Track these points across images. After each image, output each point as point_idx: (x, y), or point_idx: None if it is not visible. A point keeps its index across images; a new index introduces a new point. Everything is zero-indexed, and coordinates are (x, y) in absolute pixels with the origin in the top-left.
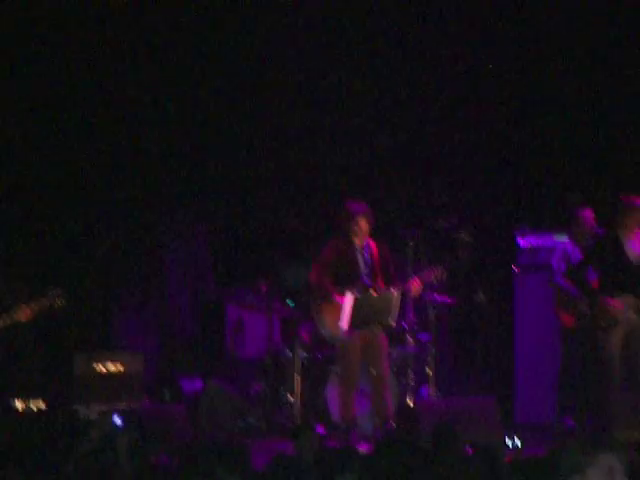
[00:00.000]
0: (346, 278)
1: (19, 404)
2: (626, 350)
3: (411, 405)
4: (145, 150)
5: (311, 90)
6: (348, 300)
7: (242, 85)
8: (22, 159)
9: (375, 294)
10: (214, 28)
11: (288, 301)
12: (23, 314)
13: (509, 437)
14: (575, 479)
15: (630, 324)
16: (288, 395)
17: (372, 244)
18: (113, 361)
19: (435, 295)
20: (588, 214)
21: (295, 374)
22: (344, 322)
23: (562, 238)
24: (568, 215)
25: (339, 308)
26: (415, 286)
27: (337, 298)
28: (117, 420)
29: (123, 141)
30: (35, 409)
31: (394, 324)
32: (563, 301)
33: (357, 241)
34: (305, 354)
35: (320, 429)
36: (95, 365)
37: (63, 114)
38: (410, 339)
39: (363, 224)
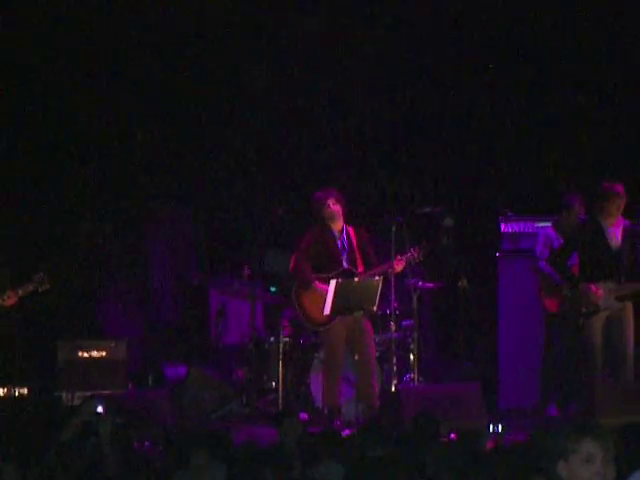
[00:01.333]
0: (326, 264)
1: (2, 390)
2: (607, 336)
3: (394, 391)
4: (128, 135)
5: (295, 75)
6: (331, 286)
7: (225, 70)
8: (3, 142)
9: (358, 280)
10: None
11: (271, 288)
12: (8, 299)
13: (492, 423)
14: (559, 465)
15: (611, 310)
16: (271, 381)
17: (350, 229)
18: (97, 348)
19: (419, 281)
20: (580, 202)
21: (278, 360)
22: (327, 308)
23: (545, 224)
24: (559, 202)
25: (319, 295)
26: (399, 265)
27: (317, 285)
28: (100, 406)
29: (106, 125)
30: (19, 396)
31: (376, 310)
32: (546, 286)
33: (334, 226)
34: (288, 340)
35: (303, 415)
36: (79, 352)
37: (44, 99)
38: (393, 325)
39: (334, 207)
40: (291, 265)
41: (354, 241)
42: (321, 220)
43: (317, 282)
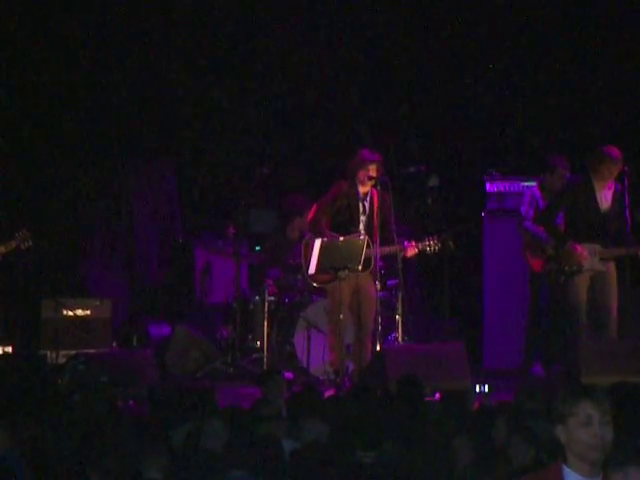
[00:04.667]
0: (344, 224)
1: None
2: (592, 296)
3: (379, 351)
4: (113, 92)
5: (289, 31)
6: (316, 245)
7: (215, 21)
8: None
9: (343, 240)
10: None
11: (256, 247)
12: None
13: (478, 383)
14: (557, 429)
15: (595, 271)
16: (256, 340)
17: (374, 193)
18: (81, 306)
19: (404, 240)
20: (563, 164)
21: (263, 319)
22: (312, 267)
23: (530, 184)
24: (543, 162)
25: None
26: (412, 251)
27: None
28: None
29: (89, 83)
30: (3, 354)
31: (362, 269)
32: (531, 246)
33: (361, 189)
34: (273, 300)
35: (288, 374)
36: (63, 310)
37: (28, 52)
38: (378, 284)
39: (373, 173)
40: (309, 215)
41: (375, 206)
42: (351, 177)
43: (330, 237)
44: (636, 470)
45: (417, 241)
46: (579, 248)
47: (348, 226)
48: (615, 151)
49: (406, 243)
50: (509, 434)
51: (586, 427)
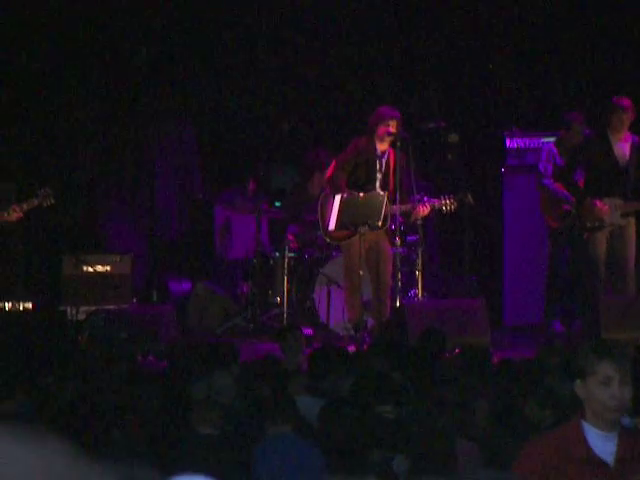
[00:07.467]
0: (362, 180)
1: (7, 305)
2: (610, 251)
3: (399, 306)
4: (132, 50)
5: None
6: (336, 201)
7: None
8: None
9: (363, 196)
10: None
11: (276, 203)
12: (13, 214)
13: (498, 339)
14: (577, 384)
15: (615, 225)
16: (276, 296)
17: (392, 152)
18: (101, 262)
19: (424, 196)
20: (580, 120)
21: (283, 275)
22: (332, 223)
23: (549, 139)
24: (559, 118)
25: None
26: (423, 210)
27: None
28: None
29: (109, 44)
30: (23, 310)
31: (381, 225)
32: (548, 202)
33: (380, 146)
34: (293, 256)
35: (308, 330)
36: (83, 266)
37: (46, 26)
38: (398, 240)
39: (392, 129)
40: (328, 172)
41: (392, 164)
42: (370, 134)
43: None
44: None
45: (433, 199)
46: (599, 203)
47: (365, 183)
48: (624, 100)
49: (419, 202)
50: (526, 393)
51: (605, 387)
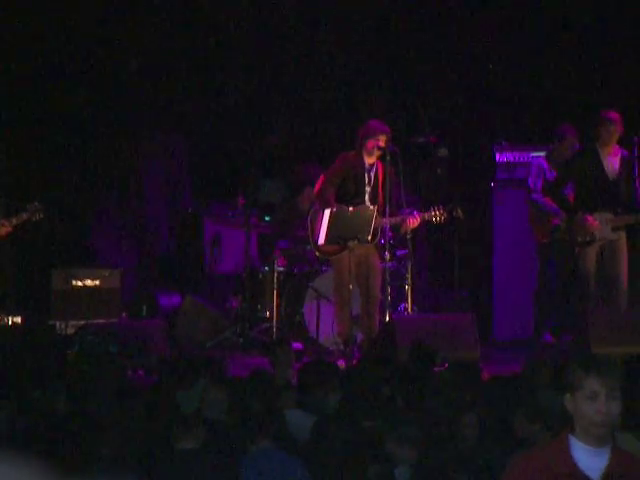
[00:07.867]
0: (350, 194)
1: None
2: (601, 265)
3: (389, 321)
4: (123, 62)
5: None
6: (325, 215)
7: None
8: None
9: (352, 210)
10: None
11: (265, 217)
12: (2, 228)
13: (487, 353)
14: (566, 398)
15: (606, 240)
16: (265, 311)
17: (380, 165)
18: (91, 277)
19: (413, 210)
20: (573, 133)
21: (272, 290)
22: (321, 237)
23: (539, 154)
24: (549, 133)
25: None
26: (413, 222)
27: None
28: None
29: (99, 57)
30: (12, 324)
31: (371, 240)
32: (537, 217)
33: (368, 159)
34: (282, 270)
35: (297, 345)
36: (73, 280)
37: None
38: (388, 255)
39: (381, 144)
40: (317, 186)
41: (380, 177)
42: (359, 147)
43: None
44: None
45: (423, 211)
46: (590, 219)
47: (354, 197)
48: (612, 113)
49: (408, 215)
50: (515, 408)
51: (591, 402)
